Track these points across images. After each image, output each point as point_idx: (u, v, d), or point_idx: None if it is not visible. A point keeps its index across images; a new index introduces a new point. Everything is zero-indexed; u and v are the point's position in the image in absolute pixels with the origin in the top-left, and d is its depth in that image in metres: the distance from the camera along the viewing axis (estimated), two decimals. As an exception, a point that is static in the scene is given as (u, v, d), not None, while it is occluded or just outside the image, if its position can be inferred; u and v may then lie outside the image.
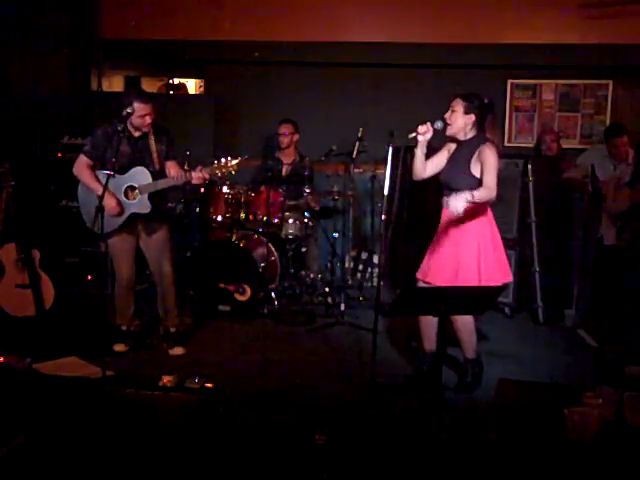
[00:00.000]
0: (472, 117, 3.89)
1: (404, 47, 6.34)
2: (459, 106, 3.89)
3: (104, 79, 6.84)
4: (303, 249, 5.84)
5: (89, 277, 5.76)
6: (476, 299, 3.34)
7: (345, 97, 6.59)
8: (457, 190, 3.70)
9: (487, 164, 3.80)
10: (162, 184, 4.30)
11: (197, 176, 4.29)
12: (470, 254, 3.87)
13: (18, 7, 6.06)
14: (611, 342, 4.80)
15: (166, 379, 3.61)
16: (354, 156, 5.46)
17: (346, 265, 6.07)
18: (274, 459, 3.18)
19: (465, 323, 4.00)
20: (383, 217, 3.67)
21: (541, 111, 6.54)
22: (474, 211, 3.80)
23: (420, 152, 3.96)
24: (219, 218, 5.45)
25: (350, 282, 5.81)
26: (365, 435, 3.38)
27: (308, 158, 5.94)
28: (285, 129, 5.96)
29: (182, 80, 8.32)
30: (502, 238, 5.38)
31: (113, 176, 4.03)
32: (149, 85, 7.60)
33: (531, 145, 6.31)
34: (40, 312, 4.82)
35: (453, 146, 4.01)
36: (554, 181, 5.52)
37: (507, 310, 5.51)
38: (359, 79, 6.64)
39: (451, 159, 3.96)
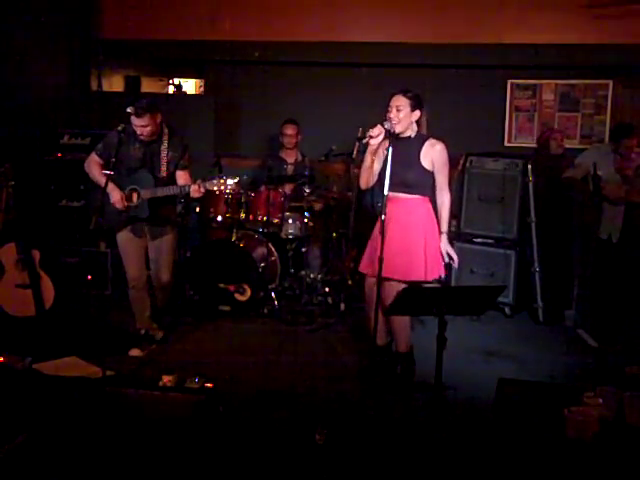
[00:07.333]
0: (418, 113, 3.88)
1: (404, 47, 6.33)
2: (405, 104, 3.84)
3: (104, 79, 6.84)
4: (303, 249, 5.84)
5: (89, 277, 5.76)
6: (476, 299, 3.34)
7: (345, 97, 6.59)
8: (407, 185, 3.81)
9: (439, 163, 3.86)
10: (161, 191, 4.33)
11: (194, 189, 4.28)
12: (418, 248, 3.91)
13: (18, 7, 6.05)
14: (611, 342, 4.80)
15: (166, 379, 3.62)
16: (354, 156, 5.43)
17: (346, 265, 6.05)
18: (274, 459, 3.18)
19: (400, 316, 4.02)
20: (382, 217, 3.66)
21: (541, 111, 6.53)
22: (421, 205, 3.91)
23: (371, 158, 3.90)
24: (219, 218, 5.45)
25: (350, 282, 5.80)
26: (365, 435, 3.38)
27: (308, 158, 5.94)
28: (292, 130, 6.02)
29: (182, 80, 8.31)
30: (502, 238, 5.49)
31: (113, 175, 4.13)
32: (149, 85, 7.59)
33: (531, 145, 6.30)
34: (40, 312, 4.81)
35: (385, 144, 3.89)
36: (554, 181, 5.52)
37: (507, 310, 5.51)
38: (359, 79, 6.64)
39: (392, 156, 3.73)
